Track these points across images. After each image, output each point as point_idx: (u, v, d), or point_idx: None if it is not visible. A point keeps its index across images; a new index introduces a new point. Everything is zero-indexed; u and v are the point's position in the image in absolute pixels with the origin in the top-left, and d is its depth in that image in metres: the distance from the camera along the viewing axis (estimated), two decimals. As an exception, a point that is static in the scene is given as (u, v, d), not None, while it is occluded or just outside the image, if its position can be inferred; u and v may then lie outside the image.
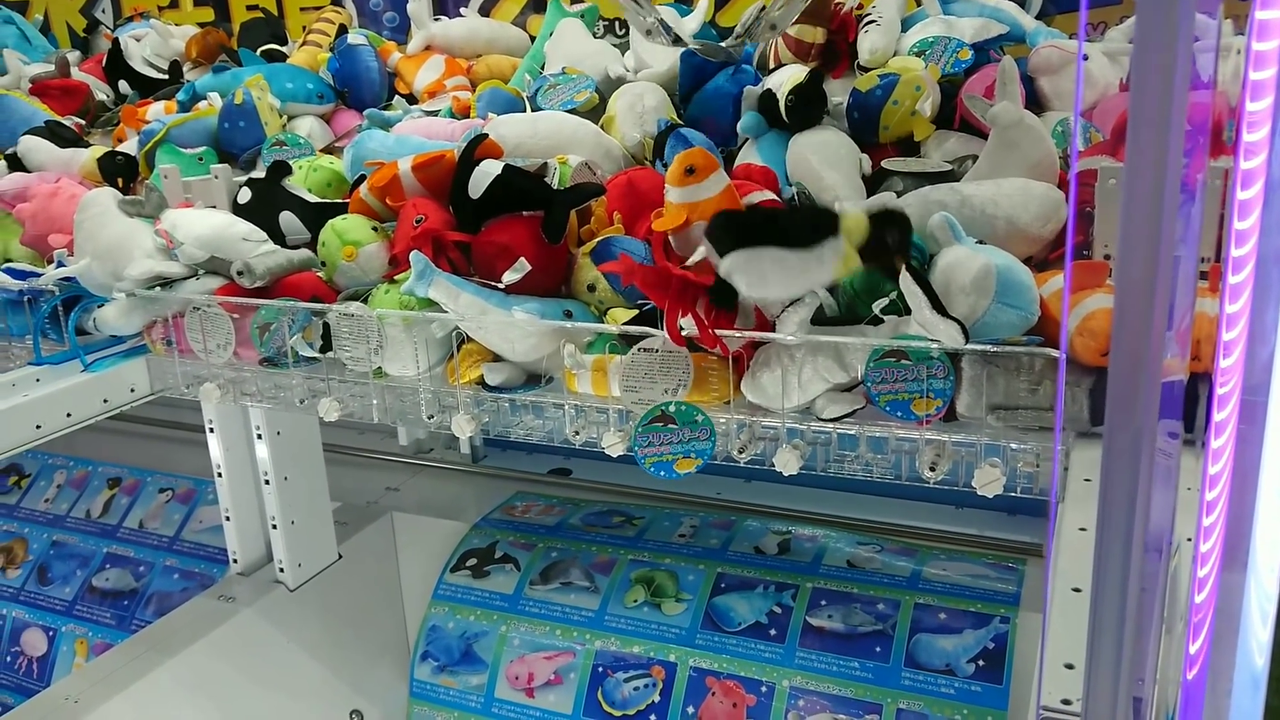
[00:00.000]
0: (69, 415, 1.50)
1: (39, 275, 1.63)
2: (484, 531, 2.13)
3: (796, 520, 2.08)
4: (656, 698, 1.78)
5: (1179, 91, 0.49)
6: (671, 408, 1.17)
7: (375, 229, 1.50)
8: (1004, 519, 2.06)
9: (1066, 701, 0.64)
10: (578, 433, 1.31)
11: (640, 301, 1.27)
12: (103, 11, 2.90)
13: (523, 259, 1.31)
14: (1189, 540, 0.66)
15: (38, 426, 1.45)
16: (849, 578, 1.84)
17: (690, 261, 1.18)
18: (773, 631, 1.78)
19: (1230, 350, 0.58)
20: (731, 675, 1.76)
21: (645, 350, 1.18)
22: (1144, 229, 0.52)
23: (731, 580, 1.88)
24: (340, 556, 2.10)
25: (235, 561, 2.04)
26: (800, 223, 1.09)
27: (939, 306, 1.07)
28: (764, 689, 1.73)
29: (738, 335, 1.15)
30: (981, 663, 1.66)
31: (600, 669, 1.84)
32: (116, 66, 2.30)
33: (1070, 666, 0.68)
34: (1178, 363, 0.59)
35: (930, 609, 1.74)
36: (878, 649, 1.71)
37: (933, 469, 1.14)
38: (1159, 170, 0.51)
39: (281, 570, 2.00)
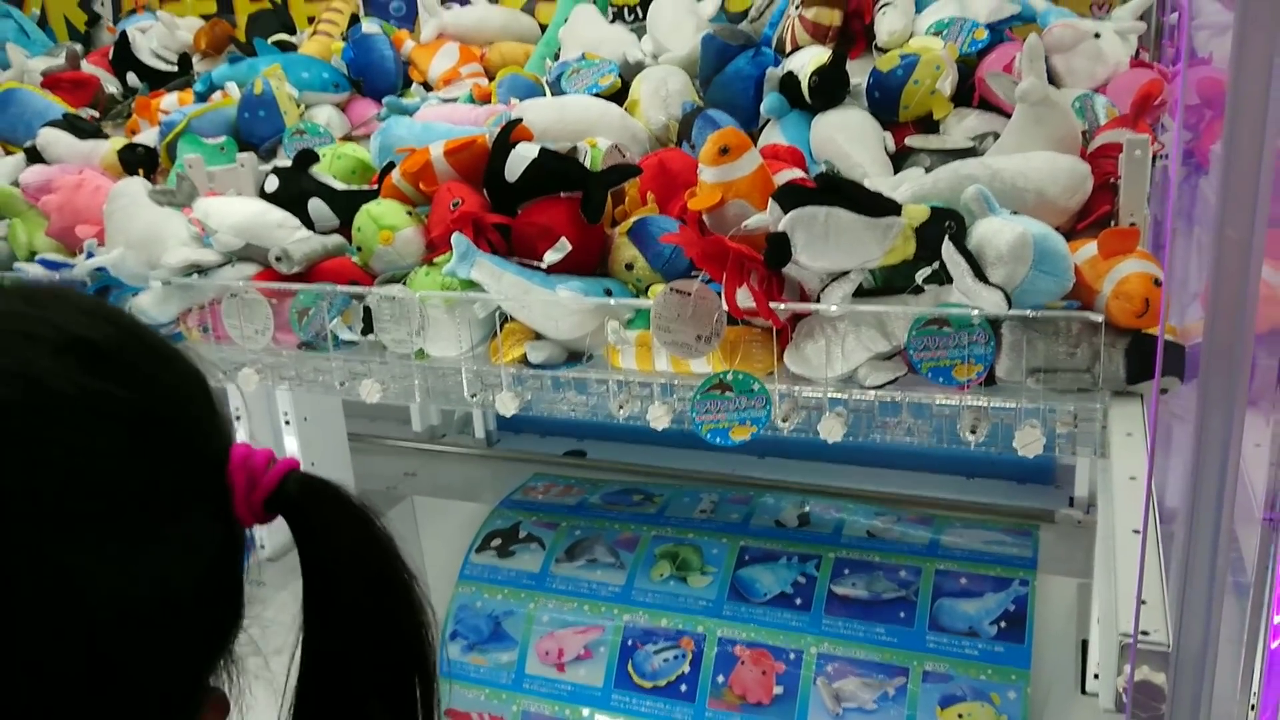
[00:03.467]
0: (110, 403, 1.52)
1: (71, 266, 1.65)
2: (505, 513, 2.16)
3: (813, 494, 2.12)
4: (687, 668, 1.82)
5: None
6: (729, 376, 1.21)
7: (410, 213, 1.53)
8: (1015, 487, 2.12)
9: (1145, 632, 0.69)
10: (622, 406, 1.35)
11: (693, 274, 1.30)
12: (101, 5, 2.89)
13: (564, 239, 1.35)
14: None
15: (81, 414, 1.47)
16: (870, 547, 1.89)
17: (746, 226, 1.22)
18: (798, 600, 1.82)
19: None
20: (760, 644, 1.80)
21: (678, 292, 1.21)
22: (1243, 198, 0.56)
23: (755, 553, 1.92)
24: (364, 540, 2.12)
25: (263, 547, 2.06)
26: (866, 194, 1.14)
27: (980, 275, 1.11)
28: (792, 656, 1.77)
29: (786, 307, 1.19)
30: (1003, 624, 1.71)
31: (630, 642, 1.88)
32: (124, 59, 2.31)
33: (1144, 602, 0.73)
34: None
35: (951, 574, 1.79)
36: (902, 614, 1.76)
37: (973, 432, 1.18)
38: (1257, 143, 0.55)
39: (309, 555, 2.01)
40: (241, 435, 1.90)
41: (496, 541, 2.09)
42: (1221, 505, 0.57)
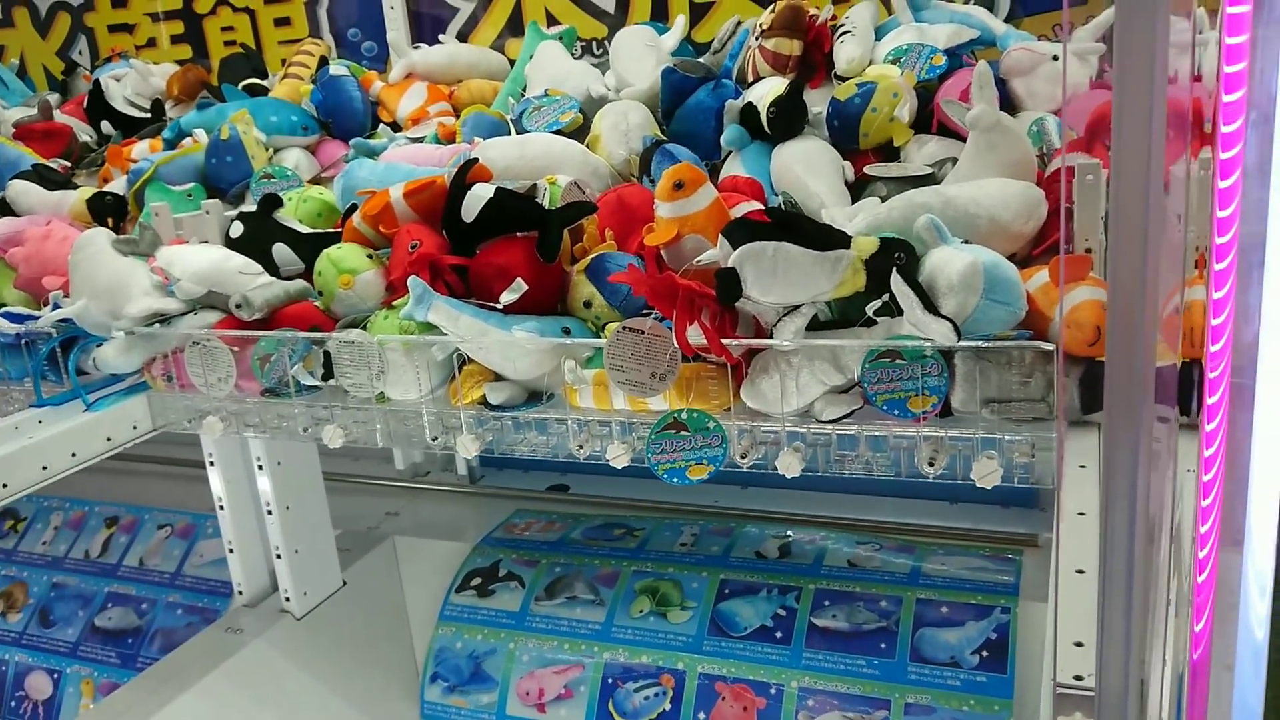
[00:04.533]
0: (74, 455, 1.51)
1: (36, 318, 1.64)
2: (486, 551, 2.15)
3: (795, 523, 2.11)
4: (667, 705, 1.80)
5: (1159, 89, 0.52)
6: (683, 415, 1.19)
7: (370, 256, 1.52)
8: (999, 512, 2.10)
9: (1079, 677, 0.67)
10: (581, 446, 1.33)
11: (645, 311, 1.29)
12: (79, 53, 2.91)
13: (520, 279, 1.34)
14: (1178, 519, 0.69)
15: (44, 468, 1.47)
16: (850, 577, 1.87)
17: (698, 261, 1.21)
18: (779, 634, 1.80)
19: (1218, 335, 0.61)
20: (740, 679, 1.78)
21: (630, 330, 1.20)
22: (1132, 224, 0.55)
23: (735, 586, 1.90)
24: (345, 583, 2.11)
25: (240, 593, 2.05)
26: (815, 227, 1.14)
27: (930, 306, 1.10)
28: (773, 691, 1.75)
29: (739, 344, 1.18)
30: (985, 653, 1.69)
31: (610, 680, 1.86)
32: (98, 107, 2.31)
33: (1079, 645, 0.71)
34: (1169, 350, 0.62)
35: (932, 603, 1.77)
36: (883, 645, 1.74)
37: (931, 464, 1.16)
38: (1143, 166, 0.54)
39: (287, 600, 2.00)
40: (213, 479, 1.89)
41: (476, 580, 2.08)
42: (1134, 535, 0.56)
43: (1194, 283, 1.20)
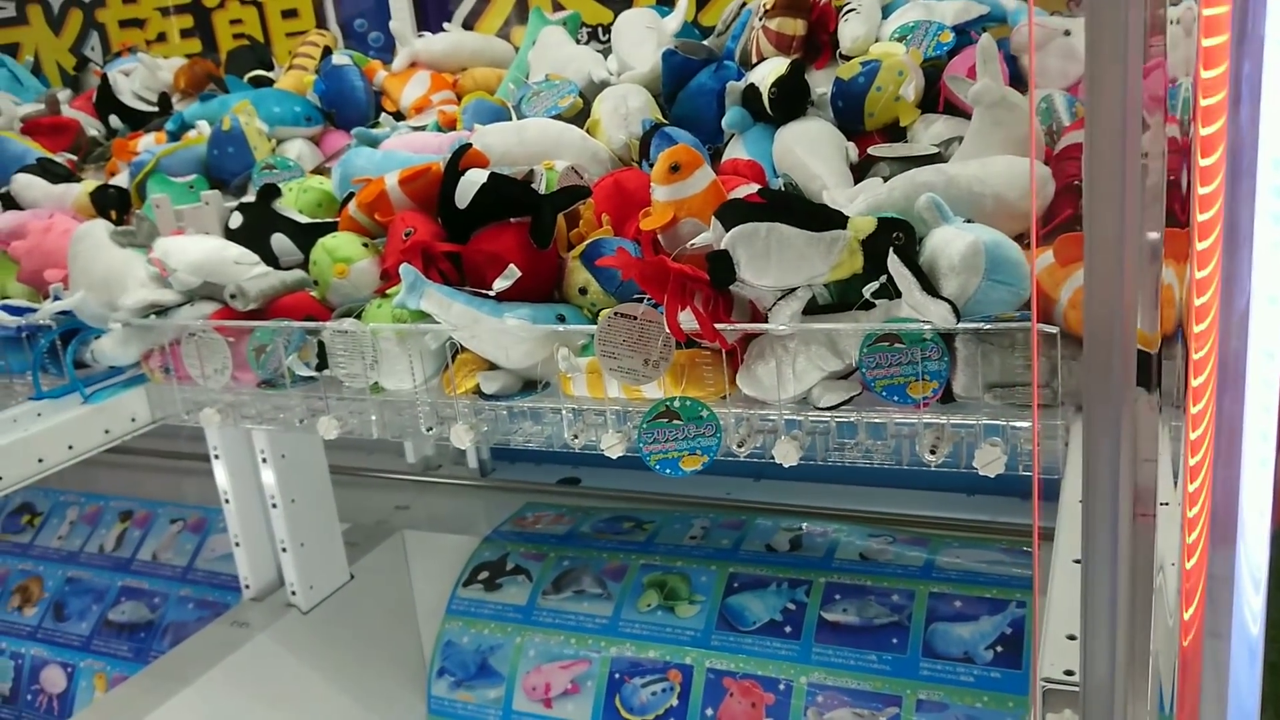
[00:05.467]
0: (71, 448, 1.50)
1: (35, 311, 1.64)
2: (495, 544, 2.13)
3: (808, 516, 2.07)
4: (675, 701, 1.77)
5: (1133, 68, 0.49)
6: (676, 403, 1.16)
7: (366, 245, 1.50)
8: (1016, 503, 2.05)
9: (1069, 672, 0.63)
10: (576, 436, 1.30)
11: (636, 297, 1.26)
12: (92, 49, 2.92)
13: (512, 265, 1.31)
14: (1165, 505, 0.65)
15: (40, 460, 1.46)
16: (862, 570, 1.83)
17: (691, 245, 1.18)
18: (788, 629, 1.77)
19: (1203, 315, 0.58)
20: (749, 675, 1.75)
21: (623, 316, 1.17)
22: (1109, 204, 0.52)
23: (744, 579, 1.87)
24: (352, 577, 2.10)
25: (247, 587, 2.04)
26: (810, 207, 1.10)
27: (929, 287, 1.06)
28: (782, 687, 1.71)
29: (731, 328, 1.15)
30: (1000, 649, 1.64)
31: (617, 675, 1.83)
32: (106, 102, 2.31)
33: (1072, 638, 0.67)
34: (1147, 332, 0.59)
35: (945, 597, 1.73)
36: (894, 640, 1.70)
37: (933, 452, 1.12)
38: (1119, 146, 0.51)
39: (294, 594, 1.99)
40: (218, 473, 1.88)
41: (484, 574, 2.06)
42: (1118, 521, 0.52)
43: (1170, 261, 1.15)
